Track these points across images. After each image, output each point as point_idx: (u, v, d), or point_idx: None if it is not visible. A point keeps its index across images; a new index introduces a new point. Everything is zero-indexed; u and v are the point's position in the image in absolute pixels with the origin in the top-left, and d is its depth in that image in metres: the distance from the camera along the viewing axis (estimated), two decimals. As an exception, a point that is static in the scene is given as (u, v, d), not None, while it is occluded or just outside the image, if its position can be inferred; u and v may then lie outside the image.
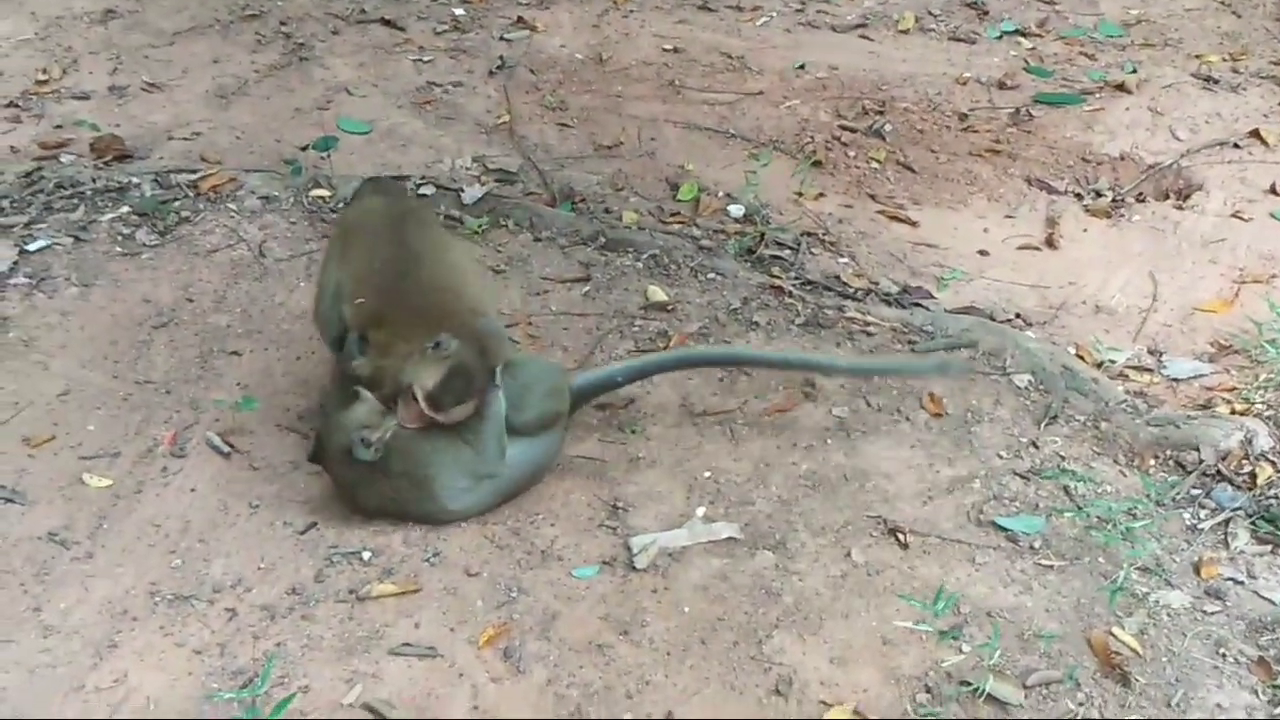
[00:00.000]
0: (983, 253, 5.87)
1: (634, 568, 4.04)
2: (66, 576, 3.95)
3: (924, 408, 4.72)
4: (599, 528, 4.19)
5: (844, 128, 6.73)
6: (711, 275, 5.40)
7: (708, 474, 4.42)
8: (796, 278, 5.43)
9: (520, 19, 7.76)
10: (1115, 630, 3.90)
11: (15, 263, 5.27)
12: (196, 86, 6.85)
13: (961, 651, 3.81)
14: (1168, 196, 6.39)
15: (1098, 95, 7.14)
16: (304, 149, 6.18)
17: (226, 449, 4.43)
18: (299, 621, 3.83)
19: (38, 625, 3.79)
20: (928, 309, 5.32)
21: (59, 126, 6.43)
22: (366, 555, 4.03)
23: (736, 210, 5.94)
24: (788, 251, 5.62)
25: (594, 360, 4.86)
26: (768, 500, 4.32)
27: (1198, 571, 4.14)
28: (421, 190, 5.85)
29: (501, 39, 7.54)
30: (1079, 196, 6.29)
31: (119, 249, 5.40)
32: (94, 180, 5.81)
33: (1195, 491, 4.45)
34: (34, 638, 3.76)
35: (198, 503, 4.22)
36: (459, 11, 7.82)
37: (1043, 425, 4.68)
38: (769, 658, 3.78)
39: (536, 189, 6.05)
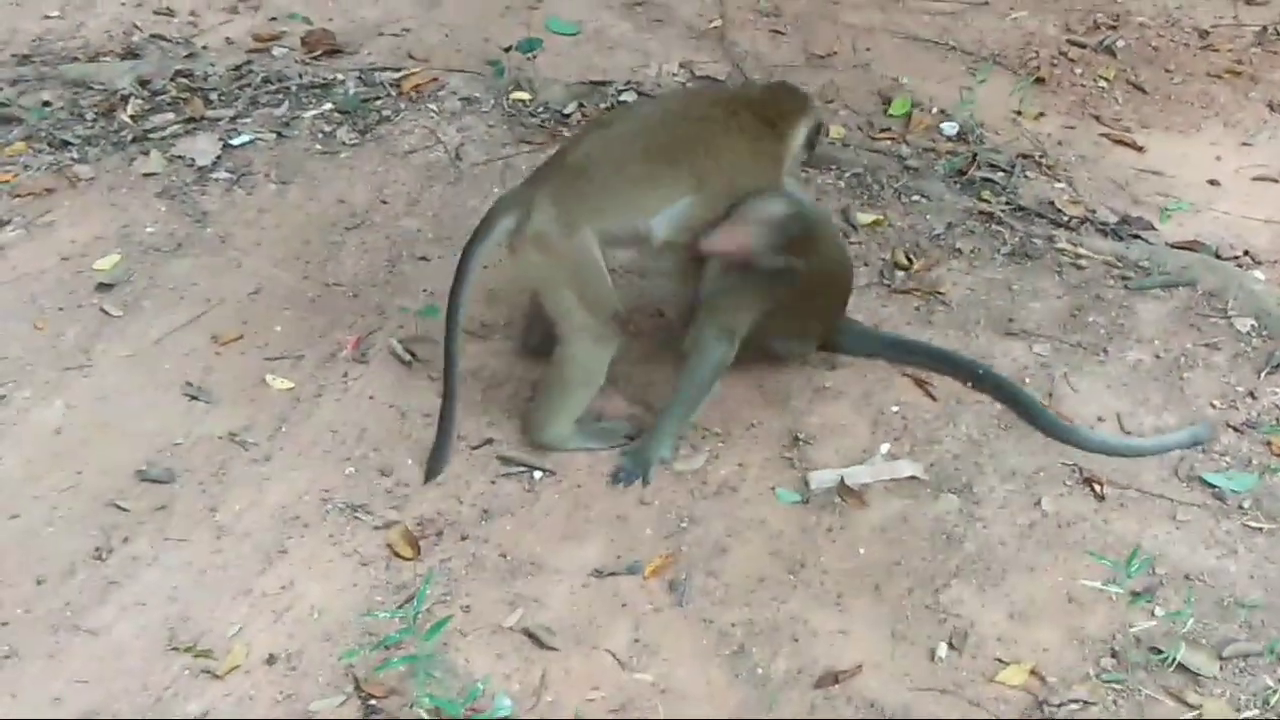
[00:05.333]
0: (1213, 182, 5.49)
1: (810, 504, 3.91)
2: (243, 478, 3.98)
3: (1133, 349, 4.46)
4: (778, 459, 4.06)
5: (1072, 42, 6.37)
6: (916, 197, 5.17)
7: (895, 409, 4.24)
8: (1008, 203, 5.15)
9: (739, -82, 7.51)
10: (1326, 603, 3.64)
11: (218, 157, 5.31)
12: (408, -19, 6.81)
13: (1154, 616, 3.60)
14: None
15: (1356, 14, 6.62)
16: (508, 49, 6.07)
17: (408, 357, 4.40)
18: (465, 539, 3.79)
19: (212, 526, 3.84)
20: (1147, 242, 5.01)
21: (274, 19, 6.45)
22: (537, 475, 3.97)
23: (950, 128, 5.66)
24: (1000, 174, 5.34)
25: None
26: (956, 440, 4.13)
27: None
28: (623, 97, 5.71)
29: (718, -61, 7.32)
30: (1326, 125, 5.85)
31: (319, 147, 5.40)
32: (300, 76, 5.83)
33: None
34: (208, 538, 3.80)
35: (375, 411, 4.21)
36: (677, -91, 7.60)
37: (1263, 374, 4.38)
38: (945, 608, 3.63)
39: (742, 98, 5.85)
